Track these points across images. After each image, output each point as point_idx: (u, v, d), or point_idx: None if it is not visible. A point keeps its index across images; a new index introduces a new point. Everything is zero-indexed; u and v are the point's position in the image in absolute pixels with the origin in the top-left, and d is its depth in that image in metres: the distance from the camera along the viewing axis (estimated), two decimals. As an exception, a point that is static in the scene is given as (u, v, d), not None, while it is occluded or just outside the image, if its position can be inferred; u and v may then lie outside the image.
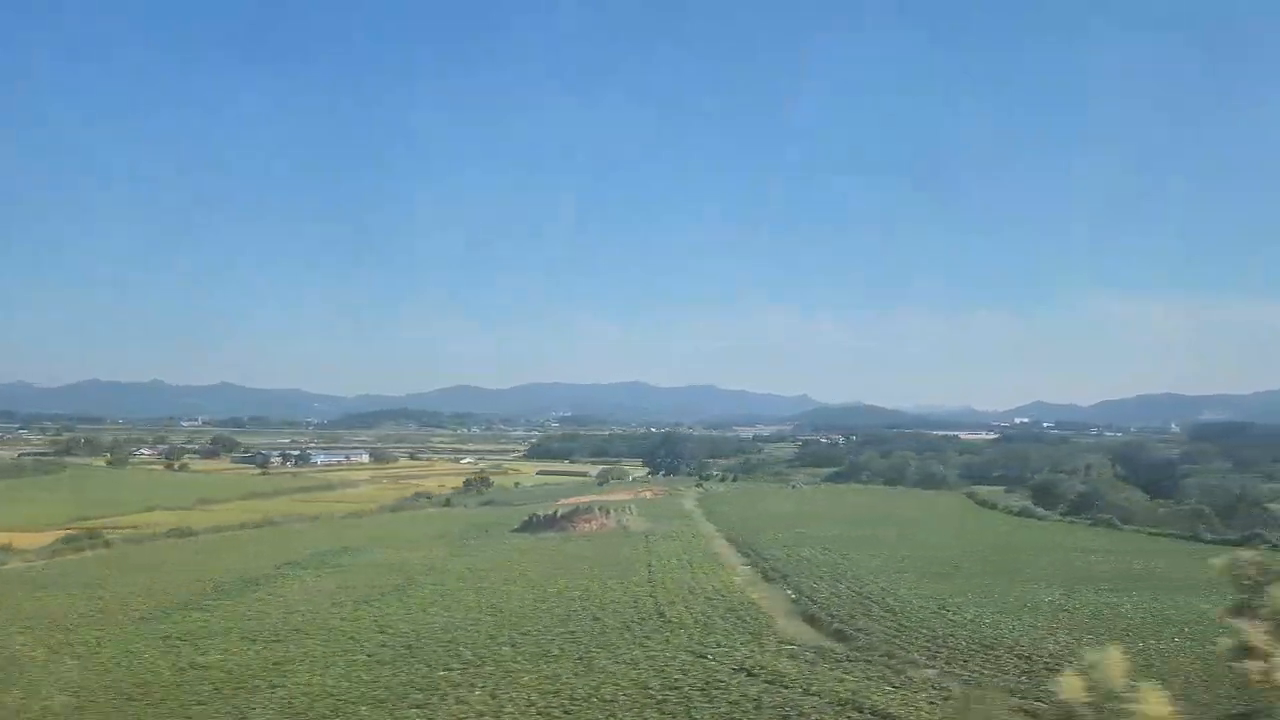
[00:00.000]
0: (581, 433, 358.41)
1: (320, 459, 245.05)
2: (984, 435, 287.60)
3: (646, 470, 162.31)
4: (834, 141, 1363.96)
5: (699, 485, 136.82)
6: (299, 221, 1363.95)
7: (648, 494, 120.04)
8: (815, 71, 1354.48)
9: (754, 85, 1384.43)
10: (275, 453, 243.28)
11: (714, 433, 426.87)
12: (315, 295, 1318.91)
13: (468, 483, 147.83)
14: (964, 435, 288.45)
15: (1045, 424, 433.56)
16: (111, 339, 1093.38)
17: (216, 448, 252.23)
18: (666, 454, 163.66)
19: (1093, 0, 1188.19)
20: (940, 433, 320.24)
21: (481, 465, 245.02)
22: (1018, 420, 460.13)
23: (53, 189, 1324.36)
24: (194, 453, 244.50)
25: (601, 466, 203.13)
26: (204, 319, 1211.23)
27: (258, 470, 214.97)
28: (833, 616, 41.46)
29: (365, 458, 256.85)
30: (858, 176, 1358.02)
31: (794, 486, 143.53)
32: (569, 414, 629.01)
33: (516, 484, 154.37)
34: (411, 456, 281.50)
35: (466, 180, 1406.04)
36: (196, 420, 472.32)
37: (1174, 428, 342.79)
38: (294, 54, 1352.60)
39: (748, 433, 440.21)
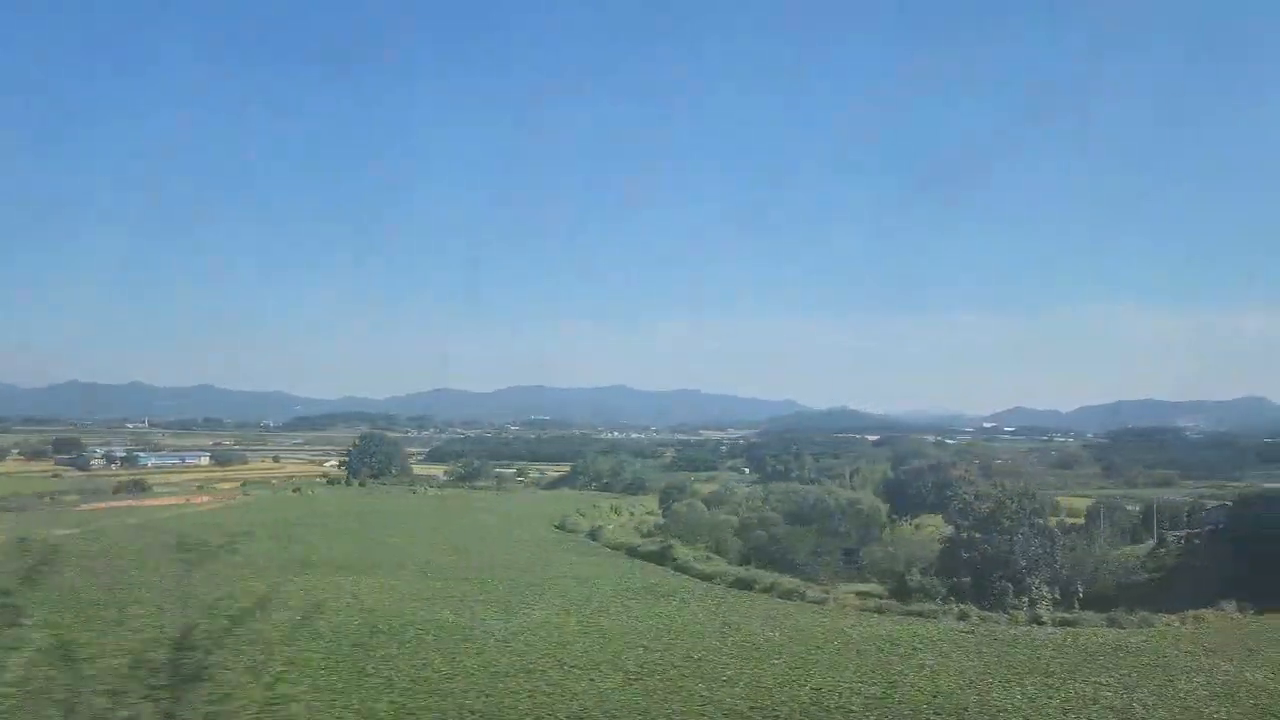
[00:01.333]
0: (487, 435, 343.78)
1: (151, 461, 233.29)
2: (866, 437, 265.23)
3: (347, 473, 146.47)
4: (827, 143, 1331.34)
5: (296, 490, 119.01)
6: (291, 222, 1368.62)
7: (204, 498, 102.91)
8: (811, 72, 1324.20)
9: (747, 88, 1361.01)
10: (100, 453, 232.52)
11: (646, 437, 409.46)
12: (304, 296, 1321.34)
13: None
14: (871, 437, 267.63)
15: (1008, 429, 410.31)
16: (94, 340, 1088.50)
17: (48, 448, 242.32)
18: (360, 456, 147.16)
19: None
20: (871, 436, 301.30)
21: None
22: (986, 425, 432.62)
23: (40, 188, 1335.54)
24: (20, 454, 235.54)
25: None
26: (189, 320, 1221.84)
27: (51, 474, 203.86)
28: None
29: (205, 459, 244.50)
30: (851, 177, 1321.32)
31: (415, 490, 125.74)
32: (546, 417, 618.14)
33: (199, 487, 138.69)
34: (275, 459, 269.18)
35: (461, 183, 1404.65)
36: (143, 422, 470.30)
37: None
38: (293, 55, 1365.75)
39: (717, 436, 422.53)
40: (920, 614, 43.97)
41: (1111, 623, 42.71)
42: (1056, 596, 51.99)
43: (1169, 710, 26.31)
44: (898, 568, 59.17)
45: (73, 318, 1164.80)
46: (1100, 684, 29.03)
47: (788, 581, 52.51)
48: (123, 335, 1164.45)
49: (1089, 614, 45.69)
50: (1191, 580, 51.92)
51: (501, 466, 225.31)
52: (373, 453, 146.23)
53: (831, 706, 25.80)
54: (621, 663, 30.13)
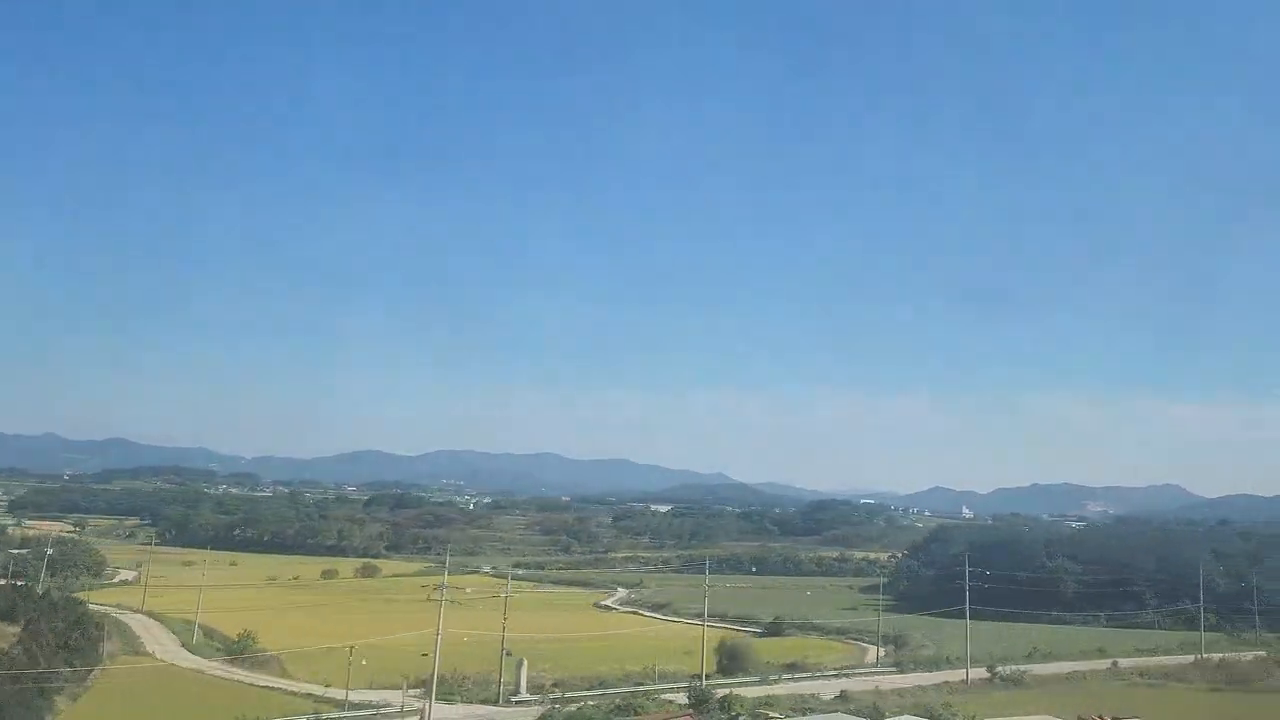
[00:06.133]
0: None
1: None
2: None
3: None
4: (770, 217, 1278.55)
5: None
6: (217, 274, 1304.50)
7: None
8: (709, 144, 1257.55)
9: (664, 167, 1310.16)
10: None
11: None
12: (232, 355, 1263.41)
13: None
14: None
15: (886, 504, 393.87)
16: (10, 390, 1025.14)
17: None
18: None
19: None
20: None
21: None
22: (913, 508, 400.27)
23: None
24: None
25: None
26: (106, 373, 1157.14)
27: None
28: None
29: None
30: (793, 247, 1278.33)
31: None
32: (461, 481, 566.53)
33: None
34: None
35: (395, 239, 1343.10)
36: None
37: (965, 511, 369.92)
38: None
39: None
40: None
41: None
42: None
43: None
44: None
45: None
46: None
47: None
48: (40, 387, 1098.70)
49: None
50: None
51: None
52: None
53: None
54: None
